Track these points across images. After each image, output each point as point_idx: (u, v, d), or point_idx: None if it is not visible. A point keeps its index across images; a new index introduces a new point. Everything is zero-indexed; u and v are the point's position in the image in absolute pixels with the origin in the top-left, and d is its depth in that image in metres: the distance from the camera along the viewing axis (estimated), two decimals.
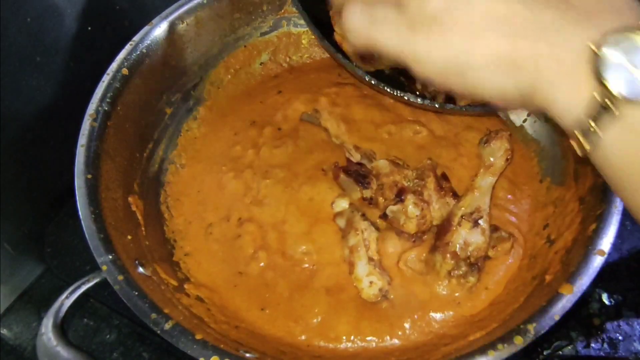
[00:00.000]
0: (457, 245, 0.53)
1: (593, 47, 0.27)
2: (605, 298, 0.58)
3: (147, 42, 0.63)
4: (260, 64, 0.76)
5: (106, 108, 0.58)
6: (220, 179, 0.65)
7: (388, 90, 0.52)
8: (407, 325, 0.53)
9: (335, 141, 0.64)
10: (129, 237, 0.54)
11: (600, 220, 0.46)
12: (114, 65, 0.60)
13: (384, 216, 0.57)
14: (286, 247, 0.58)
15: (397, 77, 0.58)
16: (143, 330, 0.60)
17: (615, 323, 0.57)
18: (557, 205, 0.57)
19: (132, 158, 0.62)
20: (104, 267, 0.48)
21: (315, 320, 0.54)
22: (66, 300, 0.49)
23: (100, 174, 0.54)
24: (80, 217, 0.50)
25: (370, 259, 0.55)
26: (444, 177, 0.59)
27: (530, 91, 0.30)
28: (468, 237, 0.53)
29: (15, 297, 0.65)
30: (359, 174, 0.59)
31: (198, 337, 0.44)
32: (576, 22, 0.29)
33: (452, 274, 0.53)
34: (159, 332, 0.44)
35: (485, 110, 0.53)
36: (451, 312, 0.53)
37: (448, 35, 0.31)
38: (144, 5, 0.74)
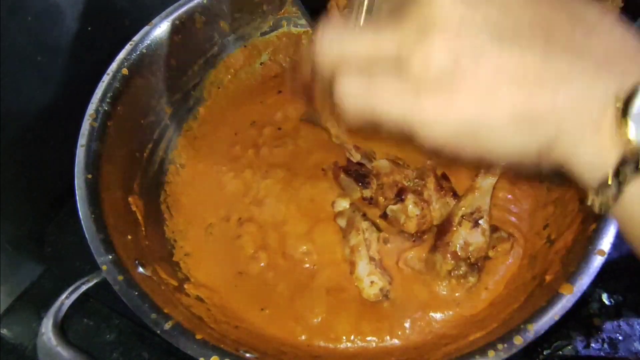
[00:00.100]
0: (458, 245, 0.53)
1: (620, 98, 0.26)
2: (605, 298, 0.58)
3: (147, 42, 0.63)
4: (260, 64, 0.76)
5: (106, 108, 0.58)
6: (220, 179, 0.65)
7: None
8: (407, 325, 0.53)
9: (335, 141, 0.64)
10: (129, 237, 0.54)
11: (600, 220, 0.46)
12: (114, 65, 0.60)
13: (384, 216, 0.57)
14: (286, 247, 0.58)
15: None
16: (143, 330, 0.60)
17: (615, 323, 0.57)
18: (557, 205, 0.57)
19: (132, 158, 0.62)
20: (104, 267, 0.48)
21: (315, 320, 0.54)
22: (66, 300, 0.49)
23: (100, 174, 0.54)
24: (80, 217, 0.50)
25: (371, 259, 0.55)
26: (444, 177, 0.59)
27: (549, 147, 0.28)
28: (468, 237, 0.53)
29: (15, 297, 0.65)
30: (359, 174, 0.59)
31: (198, 337, 0.44)
32: (595, 70, 0.27)
33: (452, 274, 0.53)
34: (159, 332, 0.44)
35: None
36: (451, 312, 0.53)
37: (458, 97, 0.28)
38: (144, 5, 0.74)
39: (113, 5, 0.73)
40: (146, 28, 0.63)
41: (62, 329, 0.48)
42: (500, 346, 0.41)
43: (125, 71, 0.60)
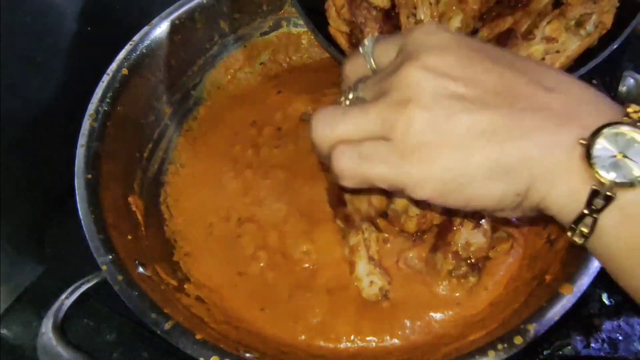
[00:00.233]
0: (459, 245, 0.53)
1: (583, 141, 0.29)
2: (605, 298, 0.58)
3: (147, 42, 0.63)
4: (260, 64, 0.76)
5: (106, 108, 0.58)
6: (220, 179, 0.65)
7: None
8: (407, 325, 0.53)
9: None
10: (129, 237, 0.54)
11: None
12: (114, 65, 0.60)
13: (384, 215, 0.57)
14: (286, 247, 0.58)
15: None
16: (143, 330, 0.60)
17: (615, 323, 0.57)
18: None
19: (132, 158, 0.62)
20: (104, 267, 0.48)
21: (315, 320, 0.54)
22: (66, 300, 0.49)
23: (100, 174, 0.54)
24: (80, 217, 0.50)
25: (371, 259, 0.55)
26: None
27: (525, 191, 0.32)
28: (470, 237, 0.53)
29: (15, 297, 0.65)
30: None
31: (198, 337, 0.44)
32: (558, 121, 0.31)
33: (452, 273, 0.53)
34: (159, 332, 0.44)
35: None
36: (451, 312, 0.53)
37: (438, 154, 0.32)
38: (144, 5, 0.74)
39: (113, 5, 0.73)
40: (146, 28, 0.64)
41: (62, 329, 0.48)
42: (500, 346, 0.41)
43: (125, 71, 0.60)
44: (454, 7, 0.55)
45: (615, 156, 0.29)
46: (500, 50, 0.36)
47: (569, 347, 0.56)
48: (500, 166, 0.31)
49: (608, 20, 0.51)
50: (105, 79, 0.59)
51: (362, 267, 0.54)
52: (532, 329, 0.42)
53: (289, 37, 0.75)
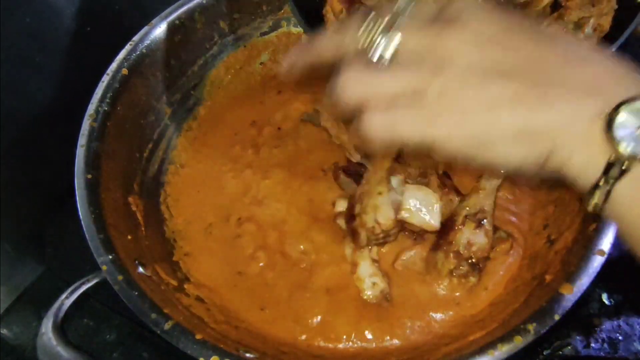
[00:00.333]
0: (461, 245, 0.53)
1: (606, 114, 0.31)
2: (605, 298, 0.58)
3: (147, 42, 0.63)
4: (260, 64, 0.76)
5: (106, 108, 0.58)
6: (220, 179, 0.65)
7: None
8: (407, 325, 0.53)
9: (335, 141, 0.64)
10: (129, 237, 0.54)
11: (600, 220, 0.46)
12: (114, 65, 0.60)
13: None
14: (286, 247, 0.58)
15: None
16: (143, 330, 0.60)
17: (615, 323, 0.57)
18: (557, 205, 0.57)
19: (132, 158, 0.62)
20: (104, 267, 0.48)
21: (315, 320, 0.54)
22: (66, 300, 0.49)
23: (100, 174, 0.54)
24: (80, 217, 0.50)
25: (374, 260, 0.55)
26: (446, 175, 0.59)
27: (546, 157, 0.33)
28: (471, 238, 0.53)
29: (15, 297, 0.65)
30: (359, 174, 0.59)
31: (198, 337, 0.44)
32: (583, 94, 0.32)
33: (453, 273, 0.53)
34: (159, 332, 0.44)
35: None
36: (451, 312, 0.53)
37: (469, 114, 0.34)
38: (144, 5, 0.74)
39: (112, 5, 0.73)
40: (146, 28, 0.63)
41: (62, 329, 0.48)
42: (500, 346, 0.41)
43: (125, 71, 0.60)
44: None
45: (636, 129, 0.30)
46: (534, 23, 0.37)
47: (569, 347, 0.56)
48: (526, 131, 0.33)
49: (606, 23, 0.51)
50: (105, 79, 0.59)
51: (365, 268, 0.54)
52: (532, 329, 0.42)
53: (289, 37, 0.75)
